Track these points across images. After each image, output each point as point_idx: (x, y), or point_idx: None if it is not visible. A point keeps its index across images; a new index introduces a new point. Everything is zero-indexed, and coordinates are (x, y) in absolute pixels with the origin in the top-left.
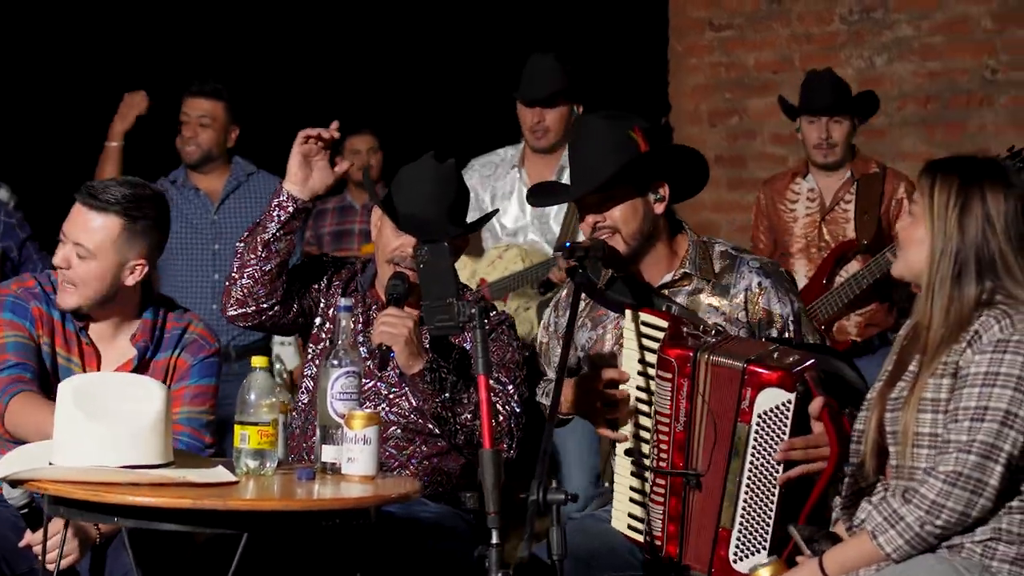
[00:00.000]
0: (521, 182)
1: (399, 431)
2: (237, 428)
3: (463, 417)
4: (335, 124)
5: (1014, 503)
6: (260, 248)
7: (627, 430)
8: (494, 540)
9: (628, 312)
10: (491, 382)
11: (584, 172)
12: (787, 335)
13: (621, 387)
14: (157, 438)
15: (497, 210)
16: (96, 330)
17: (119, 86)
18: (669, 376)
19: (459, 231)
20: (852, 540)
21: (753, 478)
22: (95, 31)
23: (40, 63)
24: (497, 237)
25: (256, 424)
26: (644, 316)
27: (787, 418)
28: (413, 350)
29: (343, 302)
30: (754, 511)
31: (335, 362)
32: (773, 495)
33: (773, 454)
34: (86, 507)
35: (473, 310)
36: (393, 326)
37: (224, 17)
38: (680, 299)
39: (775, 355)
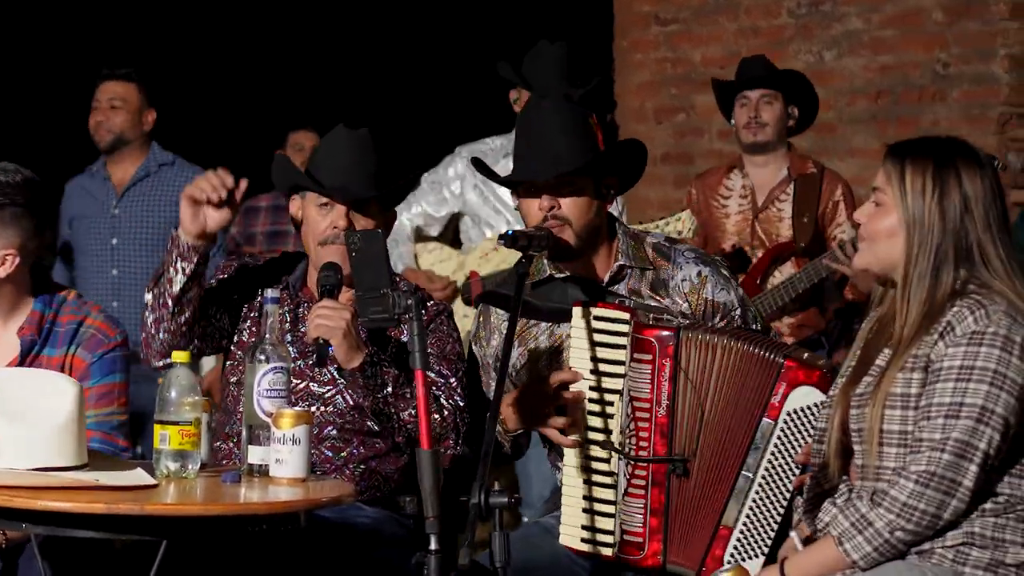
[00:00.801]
0: None
1: (335, 431)
2: (157, 428)
3: (406, 414)
4: (225, 176)
5: (987, 505)
6: (171, 303)
7: (581, 435)
8: (433, 546)
9: (577, 310)
10: (432, 375)
11: (549, 153)
12: (733, 321)
13: (572, 388)
14: (69, 438)
15: (420, 173)
16: None
17: (42, 78)
18: (648, 358)
19: (388, 195)
20: (816, 545)
21: (769, 478)
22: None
23: None
24: (486, 226)
25: (177, 423)
26: (599, 311)
27: (816, 420)
28: (352, 343)
29: (269, 293)
30: (762, 512)
31: (262, 357)
32: (785, 498)
33: (794, 455)
34: None
35: (409, 301)
36: (329, 318)
37: (171, 6)
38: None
39: (804, 354)
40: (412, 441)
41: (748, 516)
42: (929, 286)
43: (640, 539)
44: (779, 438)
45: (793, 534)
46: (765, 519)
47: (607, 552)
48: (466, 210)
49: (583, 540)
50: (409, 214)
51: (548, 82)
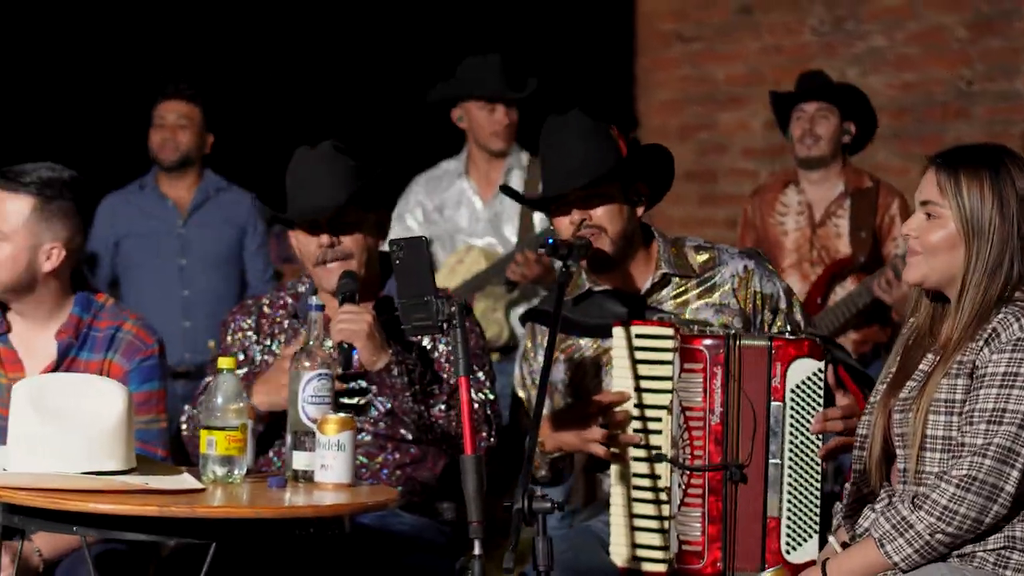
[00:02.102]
0: (471, 190)
1: (368, 437)
2: (203, 433)
3: (436, 409)
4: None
5: None
6: None
7: (627, 451)
8: (476, 551)
9: (618, 330)
10: None
11: (571, 166)
12: (780, 313)
13: (618, 409)
14: (119, 443)
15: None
16: (19, 330)
17: (85, 91)
18: (700, 367)
19: (364, 195)
20: (857, 547)
21: (795, 458)
22: (58, 36)
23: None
24: (453, 246)
25: (223, 429)
26: (640, 328)
27: (820, 388)
28: (376, 344)
29: (313, 301)
30: (800, 493)
31: (306, 364)
32: (817, 472)
33: (808, 428)
34: (43, 516)
35: (452, 308)
36: (352, 322)
37: (199, 25)
38: (667, 305)
39: (791, 335)
40: (443, 439)
41: (789, 501)
42: (983, 292)
43: (699, 547)
44: (791, 417)
45: (832, 539)
46: (805, 499)
47: (660, 568)
48: (433, 233)
49: (634, 557)
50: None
51: (494, 87)
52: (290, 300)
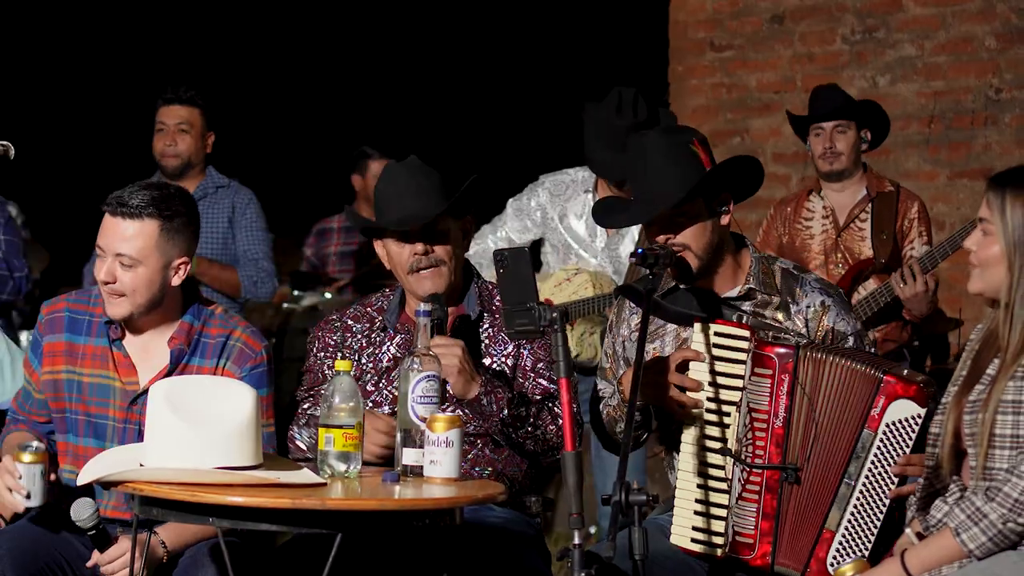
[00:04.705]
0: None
1: None
2: (321, 431)
3: (526, 429)
4: None
5: None
6: None
7: (696, 440)
8: (576, 540)
9: (697, 326)
10: (544, 383)
11: (654, 190)
12: None
13: (691, 370)
14: (249, 440)
15: (478, 176)
16: (133, 336)
17: (89, 94)
18: (768, 372)
19: (456, 205)
20: (933, 538)
21: (869, 485)
22: (68, 42)
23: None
24: (565, 255)
25: (341, 427)
26: (719, 327)
27: (914, 432)
28: (467, 376)
29: (423, 307)
30: (862, 518)
31: (416, 366)
32: (884, 505)
33: (891, 465)
34: (180, 507)
35: (554, 314)
36: (443, 356)
37: (215, 25)
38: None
39: (904, 370)
40: (545, 451)
41: (849, 521)
42: None
43: (751, 540)
44: (879, 448)
45: (908, 530)
46: (865, 524)
47: (717, 552)
48: (548, 238)
49: (693, 540)
50: (494, 237)
51: (610, 174)
52: (376, 315)
